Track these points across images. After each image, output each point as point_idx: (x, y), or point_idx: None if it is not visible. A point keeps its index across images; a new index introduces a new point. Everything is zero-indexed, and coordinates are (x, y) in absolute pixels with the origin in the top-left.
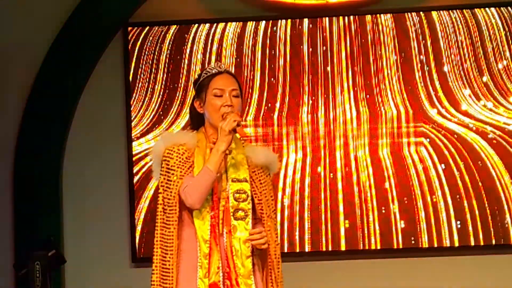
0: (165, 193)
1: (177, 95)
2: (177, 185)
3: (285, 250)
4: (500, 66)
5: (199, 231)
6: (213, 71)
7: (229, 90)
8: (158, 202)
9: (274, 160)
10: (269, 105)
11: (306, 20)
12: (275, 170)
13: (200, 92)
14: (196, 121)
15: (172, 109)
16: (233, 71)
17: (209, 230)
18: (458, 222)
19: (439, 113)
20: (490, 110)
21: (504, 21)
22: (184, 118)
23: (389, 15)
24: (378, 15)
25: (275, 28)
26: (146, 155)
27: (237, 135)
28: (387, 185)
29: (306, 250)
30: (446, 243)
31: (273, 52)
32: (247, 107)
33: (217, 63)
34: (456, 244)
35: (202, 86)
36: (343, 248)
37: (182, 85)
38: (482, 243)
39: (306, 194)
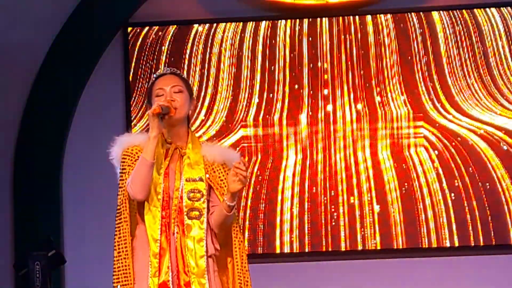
0: (121, 195)
1: None
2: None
3: (286, 251)
4: (500, 66)
5: (149, 230)
6: (157, 75)
7: (169, 87)
8: (117, 204)
9: (233, 157)
10: (269, 106)
11: (306, 20)
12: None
13: (149, 98)
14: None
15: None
16: (232, 71)
17: (159, 230)
18: (460, 222)
19: (440, 114)
20: (490, 110)
21: (504, 21)
22: None
23: (389, 15)
24: (378, 15)
25: (275, 28)
26: None
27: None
28: (387, 186)
29: (306, 250)
30: (446, 243)
31: (273, 52)
32: (247, 107)
33: (163, 67)
34: (456, 244)
35: (148, 93)
36: (342, 248)
37: None
38: (481, 243)
39: (305, 196)
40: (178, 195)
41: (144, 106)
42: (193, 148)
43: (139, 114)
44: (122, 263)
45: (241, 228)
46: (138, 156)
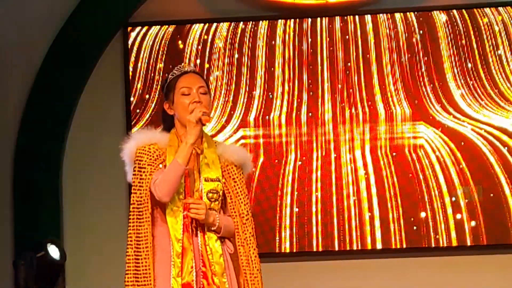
0: (138, 193)
1: None
2: (147, 182)
3: (287, 250)
4: (500, 66)
5: (172, 230)
6: (179, 72)
7: (196, 88)
8: (131, 202)
9: (247, 159)
10: (269, 106)
11: (306, 20)
12: (249, 170)
13: (168, 93)
14: (168, 124)
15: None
16: (233, 71)
17: (181, 229)
18: (460, 222)
19: (439, 114)
20: (490, 110)
21: (503, 21)
22: None
23: (389, 15)
24: (378, 15)
25: (275, 28)
26: None
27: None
28: (386, 185)
29: (305, 250)
30: (446, 243)
31: (272, 52)
32: (247, 107)
33: (184, 64)
34: (456, 244)
35: (169, 88)
36: (338, 248)
37: None
38: (482, 243)
39: (305, 196)
40: (198, 195)
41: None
42: (209, 147)
43: (139, 114)
44: (142, 263)
45: (253, 230)
46: (156, 155)
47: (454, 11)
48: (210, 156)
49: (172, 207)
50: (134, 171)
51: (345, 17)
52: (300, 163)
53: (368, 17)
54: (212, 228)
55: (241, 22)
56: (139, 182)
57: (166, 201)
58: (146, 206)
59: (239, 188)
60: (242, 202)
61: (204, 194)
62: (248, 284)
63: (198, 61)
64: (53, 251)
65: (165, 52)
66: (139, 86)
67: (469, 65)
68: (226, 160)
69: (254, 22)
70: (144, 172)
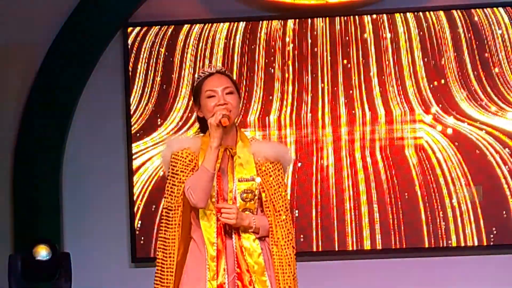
0: (169, 198)
1: (178, 94)
2: (179, 189)
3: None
4: (500, 66)
5: (205, 233)
6: (204, 74)
7: (221, 89)
8: (163, 206)
9: (284, 152)
10: (268, 106)
11: (306, 20)
12: (288, 162)
13: (196, 97)
14: (202, 126)
15: (173, 109)
16: (232, 71)
17: (215, 233)
18: (460, 222)
19: (440, 114)
20: (490, 111)
21: (504, 22)
22: (184, 118)
23: (389, 15)
24: (378, 15)
25: (274, 28)
26: (145, 154)
27: (246, 133)
28: (385, 186)
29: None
30: (446, 243)
31: (272, 52)
32: (247, 108)
33: (209, 65)
34: (456, 244)
35: (196, 91)
36: (337, 248)
37: (183, 84)
38: (482, 243)
39: (305, 199)
40: (232, 196)
41: (192, 106)
42: (243, 146)
43: (139, 114)
44: (166, 267)
45: (291, 226)
46: (189, 160)
47: (454, 11)
48: (244, 156)
49: (205, 210)
50: (168, 176)
51: (345, 18)
52: (300, 164)
53: (368, 18)
54: (250, 231)
55: (241, 22)
56: (170, 188)
57: (202, 207)
58: (176, 212)
59: (275, 184)
60: (279, 199)
61: (238, 195)
62: (280, 284)
63: (197, 61)
64: (42, 251)
65: (165, 52)
66: (139, 86)
67: (470, 66)
68: (262, 157)
69: (254, 22)
70: (176, 178)
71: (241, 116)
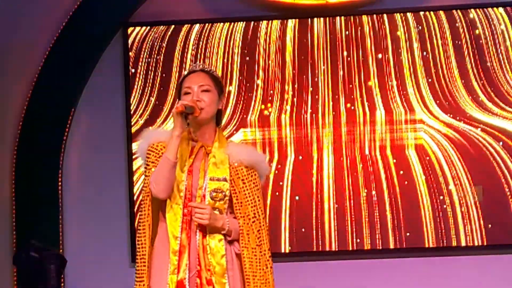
0: (143, 191)
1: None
2: (148, 180)
3: (287, 251)
4: (500, 67)
5: (170, 227)
6: (186, 72)
7: (197, 86)
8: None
9: (260, 161)
10: (269, 106)
11: (306, 20)
12: (265, 172)
13: (178, 94)
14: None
15: (173, 108)
16: (233, 71)
17: (180, 227)
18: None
19: (440, 114)
20: (490, 111)
21: (504, 21)
22: None
23: (389, 15)
24: (377, 15)
25: (275, 28)
26: None
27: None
28: (385, 185)
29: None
30: (446, 243)
31: (272, 52)
32: (247, 107)
33: (195, 63)
34: (456, 244)
35: (178, 88)
36: (337, 248)
37: None
38: (482, 243)
39: (305, 197)
40: (201, 193)
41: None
42: (219, 147)
43: (139, 114)
44: (139, 259)
45: (264, 230)
46: (162, 153)
47: (453, 10)
48: (219, 156)
49: (172, 204)
50: (143, 169)
51: (345, 18)
52: (300, 158)
53: (368, 17)
54: (222, 232)
55: (241, 22)
56: (144, 181)
57: (163, 198)
58: (145, 203)
59: (247, 189)
60: (249, 204)
61: (207, 193)
62: (251, 286)
63: (197, 61)
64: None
65: (165, 52)
66: (139, 86)
67: (470, 66)
68: (237, 160)
69: (254, 22)
70: (147, 169)
71: (241, 116)
